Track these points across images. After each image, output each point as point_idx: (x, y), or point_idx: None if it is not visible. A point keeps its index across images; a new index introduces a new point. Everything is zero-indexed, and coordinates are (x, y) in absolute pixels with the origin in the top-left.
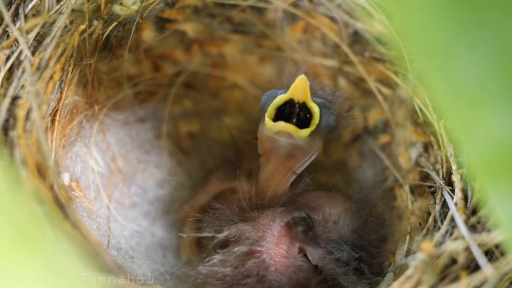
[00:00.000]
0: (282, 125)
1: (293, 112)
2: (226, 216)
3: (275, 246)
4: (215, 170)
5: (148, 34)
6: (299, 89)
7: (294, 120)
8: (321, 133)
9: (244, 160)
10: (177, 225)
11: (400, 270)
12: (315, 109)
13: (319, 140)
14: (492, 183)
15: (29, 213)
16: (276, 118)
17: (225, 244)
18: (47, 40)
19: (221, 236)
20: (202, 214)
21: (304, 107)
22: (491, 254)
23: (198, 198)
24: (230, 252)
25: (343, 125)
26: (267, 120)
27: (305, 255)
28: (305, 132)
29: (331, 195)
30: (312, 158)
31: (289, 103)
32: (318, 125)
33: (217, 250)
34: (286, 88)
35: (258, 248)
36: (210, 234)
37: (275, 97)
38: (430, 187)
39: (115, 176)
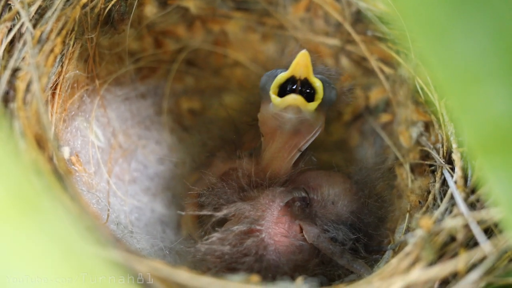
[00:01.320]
0: (292, 97)
1: (295, 89)
2: (226, 195)
3: (274, 225)
4: (216, 149)
5: (151, 10)
6: (300, 65)
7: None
8: (323, 108)
9: (245, 138)
10: (176, 201)
11: (399, 248)
12: (317, 83)
13: (322, 115)
14: (490, 160)
15: (27, 183)
16: (279, 96)
17: (224, 221)
18: (49, 13)
19: (220, 214)
20: (203, 190)
21: (306, 83)
22: (490, 232)
23: (203, 180)
24: (229, 230)
25: (343, 100)
26: (274, 97)
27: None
28: (313, 105)
29: (330, 175)
30: (316, 135)
31: (291, 80)
32: (321, 100)
33: (216, 228)
34: (285, 68)
35: (258, 227)
36: (209, 213)
37: (276, 76)
38: (430, 165)
39: (116, 151)
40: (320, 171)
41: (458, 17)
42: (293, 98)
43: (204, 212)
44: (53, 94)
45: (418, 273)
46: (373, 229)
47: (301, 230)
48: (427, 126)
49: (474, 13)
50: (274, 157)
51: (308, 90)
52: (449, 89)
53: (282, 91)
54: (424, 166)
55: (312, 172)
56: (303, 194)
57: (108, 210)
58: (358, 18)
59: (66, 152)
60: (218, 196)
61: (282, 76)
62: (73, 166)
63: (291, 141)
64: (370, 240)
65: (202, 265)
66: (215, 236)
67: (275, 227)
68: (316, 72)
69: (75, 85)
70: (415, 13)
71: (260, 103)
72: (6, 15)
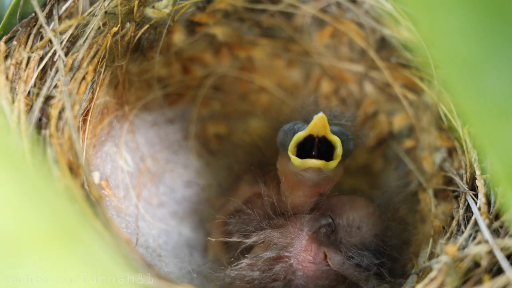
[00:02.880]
0: (313, 162)
1: (314, 145)
2: (254, 221)
3: (303, 252)
4: (242, 173)
5: (179, 37)
6: (318, 125)
7: (315, 153)
8: (342, 159)
9: (270, 165)
10: (203, 225)
11: (423, 273)
12: (338, 142)
13: (341, 166)
14: None
15: (63, 210)
16: (297, 153)
17: (251, 247)
18: (80, 41)
19: (249, 241)
20: (230, 217)
21: (324, 140)
22: None
23: (229, 204)
24: (258, 257)
25: (358, 143)
26: (293, 158)
27: None
28: (333, 164)
29: (353, 200)
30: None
31: (309, 137)
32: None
33: (245, 254)
34: (302, 120)
35: (286, 254)
36: (239, 239)
37: (293, 132)
38: (453, 191)
39: (144, 176)
40: (343, 197)
41: (489, 49)
42: (313, 163)
43: (235, 239)
44: (84, 120)
45: None
46: (397, 252)
47: (326, 257)
48: (450, 152)
49: (506, 45)
50: (295, 199)
51: (326, 145)
52: (476, 119)
53: (301, 149)
54: (448, 191)
55: (335, 198)
56: (330, 221)
57: (137, 234)
58: (382, 45)
59: (96, 177)
60: (246, 223)
61: (300, 135)
62: (103, 191)
63: (311, 192)
64: (394, 263)
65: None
66: (245, 262)
67: (303, 254)
68: (331, 123)
69: (105, 111)
70: (443, 42)
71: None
72: (38, 43)
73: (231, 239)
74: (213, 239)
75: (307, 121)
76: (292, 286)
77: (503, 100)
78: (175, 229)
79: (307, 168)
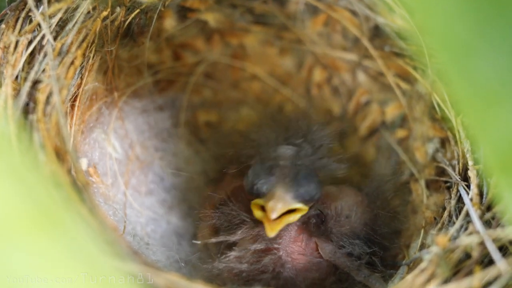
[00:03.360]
0: (275, 228)
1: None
2: (240, 219)
3: (292, 243)
4: (230, 163)
5: (170, 23)
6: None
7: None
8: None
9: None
10: (192, 213)
11: (414, 264)
12: (297, 206)
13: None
14: (507, 179)
15: (47, 195)
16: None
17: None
18: (69, 25)
19: (234, 239)
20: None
21: None
22: (505, 249)
23: (213, 198)
24: (246, 249)
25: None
26: (255, 212)
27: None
28: (297, 216)
29: (342, 189)
30: None
31: None
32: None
33: (233, 247)
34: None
35: (275, 246)
36: (225, 239)
37: (256, 188)
38: (445, 182)
39: (133, 163)
40: (331, 187)
41: (482, 35)
42: (276, 229)
43: (221, 239)
44: (72, 106)
45: None
46: (388, 240)
47: (317, 247)
48: (443, 142)
49: (497, 31)
50: None
51: None
52: (469, 106)
53: None
54: (440, 182)
55: (324, 188)
56: (318, 211)
57: (125, 221)
58: (376, 33)
59: (84, 163)
60: (230, 218)
61: (258, 202)
62: (90, 178)
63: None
64: (385, 253)
65: (218, 279)
66: (233, 254)
67: (293, 245)
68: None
69: (94, 97)
70: (437, 29)
71: None
72: (27, 27)
73: (218, 239)
74: (199, 242)
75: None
76: (281, 278)
77: (495, 84)
78: (164, 218)
79: None
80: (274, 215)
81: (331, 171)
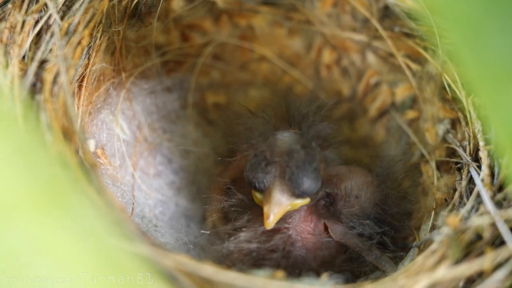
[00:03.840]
0: (273, 221)
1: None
2: (246, 203)
3: (302, 223)
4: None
5: (178, 3)
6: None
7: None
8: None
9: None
10: (201, 196)
11: (424, 245)
12: (296, 203)
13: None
14: None
15: (55, 175)
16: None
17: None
18: (76, 5)
19: (243, 223)
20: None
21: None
22: None
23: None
24: (257, 229)
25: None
26: (256, 198)
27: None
28: (298, 205)
29: (351, 170)
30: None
31: None
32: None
33: (243, 229)
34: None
35: (285, 225)
36: (234, 226)
37: (254, 178)
38: (456, 163)
39: (141, 145)
40: (341, 167)
41: (494, 13)
42: (280, 213)
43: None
44: (80, 87)
45: (444, 271)
46: (398, 221)
47: (326, 228)
48: (454, 123)
49: (510, 10)
50: None
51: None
52: (480, 86)
53: None
54: (450, 163)
55: (332, 169)
56: (327, 191)
57: (133, 203)
58: (386, 13)
59: (91, 145)
60: (237, 202)
61: (257, 194)
62: (98, 159)
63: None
64: (396, 233)
65: (227, 260)
66: (242, 235)
67: (302, 225)
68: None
69: (101, 77)
70: (448, 8)
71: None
72: (34, 7)
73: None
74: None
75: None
76: (291, 257)
77: (507, 64)
78: (172, 200)
79: None
80: (270, 220)
81: (330, 158)
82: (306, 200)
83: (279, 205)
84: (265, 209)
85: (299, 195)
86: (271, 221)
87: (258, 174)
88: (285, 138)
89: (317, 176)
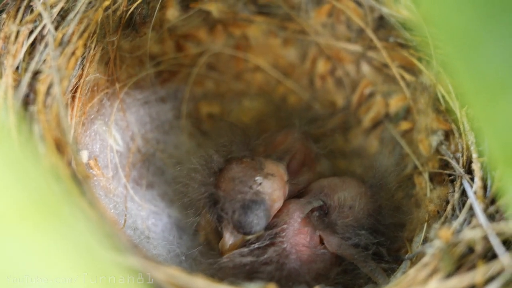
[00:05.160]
0: (231, 246)
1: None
2: None
3: (296, 236)
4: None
5: (172, 13)
6: None
7: None
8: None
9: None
10: (193, 208)
11: (416, 258)
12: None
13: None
14: None
15: (47, 187)
16: None
17: None
18: (71, 15)
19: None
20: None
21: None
22: (509, 243)
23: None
24: (251, 247)
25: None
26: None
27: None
28: (254, 235)
29: (344, 181)
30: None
31: None
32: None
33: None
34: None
35: (279, 239)
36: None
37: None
38: (449, 175)
39: (134, 156)
40: (334, 178)
41: (488, 25)
42: (232, 247)
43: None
44: (73, 97)
45: (436, 285)
46: (392, 231)
47: (322, 240)
48: (447, 135)
49: (505, 21)
50: None
51: None
52: (474, 98)
53: None
54: (444, 175)
55: (325, 180)
56: (321, 203)
57: (125, 215)
58: (381, 24)
59: (84, 156)
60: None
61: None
62: (91, 170)
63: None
64: (390, 242)
65: (219, 273)
66: (236, 252)
67: (296, 238)
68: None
69: (95, 88)
70: (443, 19)
71: None
72: (28, 17)
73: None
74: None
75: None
76: (285, 270)
77: (501, 76)
78: (165, 211)
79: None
80: (224, 253)
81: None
82: (258, 233)
83: (228, 242)
84: (220, 243)
85: (246, 233)
86: (225, 253)
87: (213, 213)
88: (235, 173)
89: (261, 217)
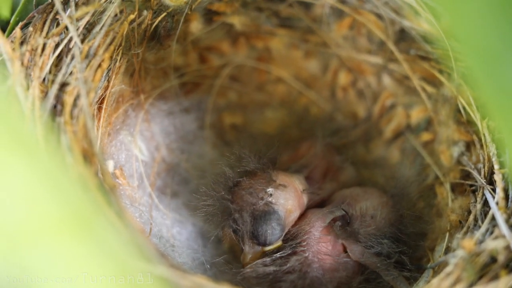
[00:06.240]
0: (252, 258)
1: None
2: None
3: (317, 245)
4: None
5: (196, 26)
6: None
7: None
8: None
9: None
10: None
11: (439, 267)
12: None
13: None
14: None
15: (77, 198)
16: None
17: None
18: (97, 28)
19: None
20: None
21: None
22: None
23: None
24: (273, 257)
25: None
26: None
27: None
28: (274, 246)
29: (366, 191)
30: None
31: None
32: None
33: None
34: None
35: (301, 248)
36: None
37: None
38: (471, 185)
39: (159, 165)
40: (356, 188)
41: (510, 37)
42: (257, 256)
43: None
44: (99, 108)
45: None
46: (414, 240)
47: (345, 249)
48: (469, 146)
49: None
50: None
51: None
52: (496, 109)
53: None
54: (465, 186)
55: (347, 190)
56: (343, 212)
57: (151, 223)
58: (401, 36)
59: (110, 165)
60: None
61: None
62: (117, 180)
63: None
64: (412, 251)
65: (243, 282)
66: (258, 262)
67: (318, 246)
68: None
69: (120, 99)
70: (464, 32)
71: None
72: (54, 30)
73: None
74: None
75: None
76: (307, 278)
77: None
78: (189, 220)
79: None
80: (246, 266)
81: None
82: (277, 244)
83: (248, 254)
84: (241, 256)
85: (262, 244)
86: (247, 264)
87: (229, 227)
88: (246, 186)
89: (275, 227)
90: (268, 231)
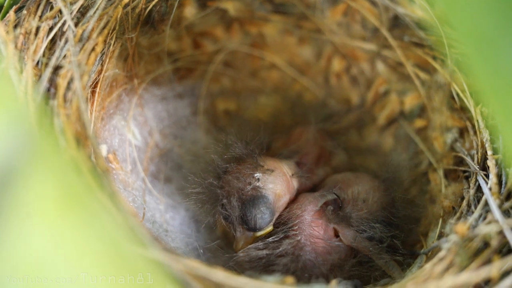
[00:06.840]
0: (244, 244)
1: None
2: None
3: (309, 228)
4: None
5: (190, 11)
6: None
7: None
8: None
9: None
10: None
11: (432, 253)
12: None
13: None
14: None
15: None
16: None
17: None
18: (91, 12)
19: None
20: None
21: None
22: None
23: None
24: (265, 241)
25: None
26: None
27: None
28: (264, 231)
29: (358, 175)
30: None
31: None
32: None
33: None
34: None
35: (293, 232)
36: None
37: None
38: (464, 172)
39: (152, 150)
40: (347, 173)
41: (505, 24)
42: (248, 241)
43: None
44: (93, 93)
45: (452, 279)
46: (406, 224)
47: (336, 233)
48: (462, 132)
49: None
50: None
51: None
52: (490, 96)
53: None
54: (458, 172)
55: (339, 175)
56: (334, 196)
57: (144, 208)
58: (395, 23)
59: (103, 150)
60: None
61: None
62: (110, 164)
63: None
64: (404, 235)
65: (237, 266)
66: (251, 246)
67: (310, 230)
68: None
69: (114, 83)
70: (458, 19)
71: None
72: (48, 13)
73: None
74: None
75: None
76: (300, 262)
77: None
78: (182, 205)
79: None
80: (238, 250)
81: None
82: (268, 229)
83: (240, 241)
84: (234, 246)
85: (252, 229)
86: (238, 250)
87: (222, 215)
88: (234, 172)
89: (264, 211)
90: (258, 215)
